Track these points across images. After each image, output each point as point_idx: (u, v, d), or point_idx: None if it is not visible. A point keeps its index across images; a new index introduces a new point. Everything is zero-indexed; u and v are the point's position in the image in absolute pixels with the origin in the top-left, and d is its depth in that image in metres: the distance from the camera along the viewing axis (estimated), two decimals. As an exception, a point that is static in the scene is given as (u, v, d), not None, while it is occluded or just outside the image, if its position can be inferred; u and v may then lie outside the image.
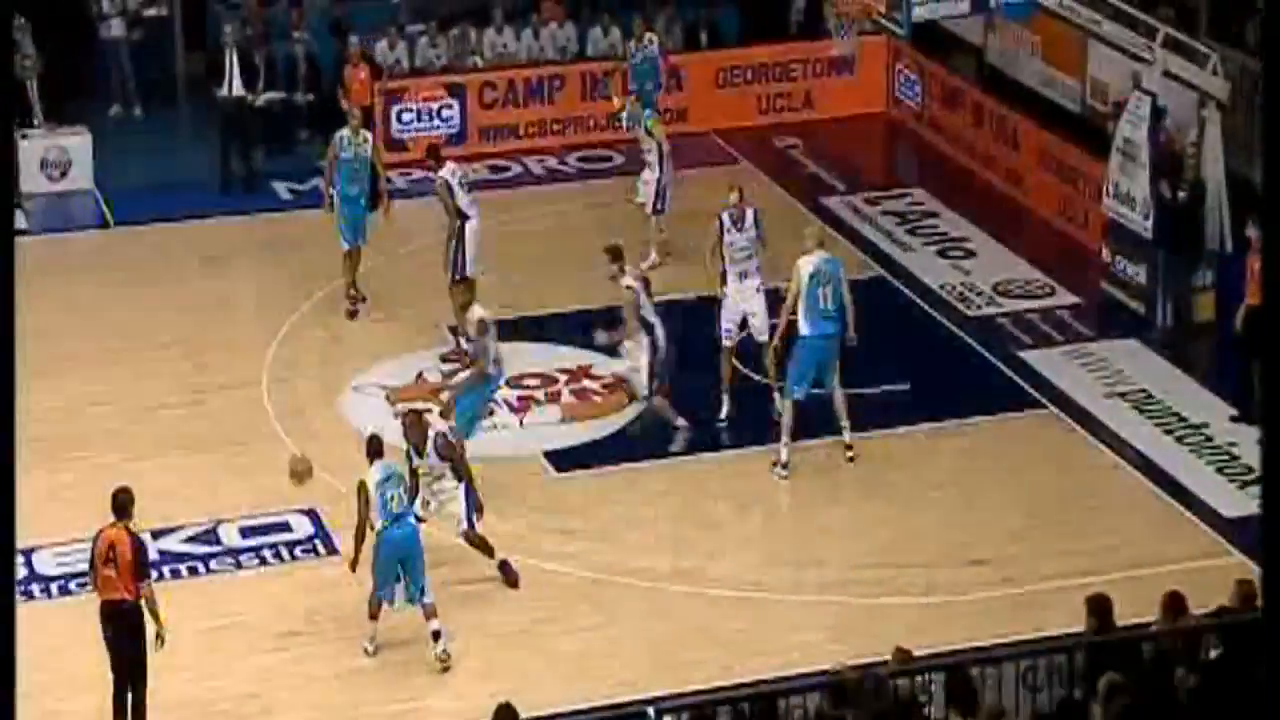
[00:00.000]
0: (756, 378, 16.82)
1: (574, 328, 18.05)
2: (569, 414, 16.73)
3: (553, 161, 21.90)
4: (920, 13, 17.48)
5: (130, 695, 12.62)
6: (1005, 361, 17.48)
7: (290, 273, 19.15)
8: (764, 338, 16.24)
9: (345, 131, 18.55)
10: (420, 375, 17.29)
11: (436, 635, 13.52)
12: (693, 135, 22.24)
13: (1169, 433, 16.30)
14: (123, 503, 12.57)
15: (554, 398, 16.99)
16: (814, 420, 16.16)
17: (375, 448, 13.89)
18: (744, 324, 16.30)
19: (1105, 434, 16.29)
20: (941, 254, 19.65)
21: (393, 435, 16.17)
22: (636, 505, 15.44)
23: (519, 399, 16.91)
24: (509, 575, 14.31)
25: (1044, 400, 16.79)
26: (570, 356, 17.53)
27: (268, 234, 20.14)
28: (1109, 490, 15.61)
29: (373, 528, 13.50)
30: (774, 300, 16.19)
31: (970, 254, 19.63)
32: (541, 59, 22.80)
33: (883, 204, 20.74)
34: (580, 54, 22.93)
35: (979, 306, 18.56)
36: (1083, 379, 17.15)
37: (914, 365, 17.22)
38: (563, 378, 17.25)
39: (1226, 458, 15.86)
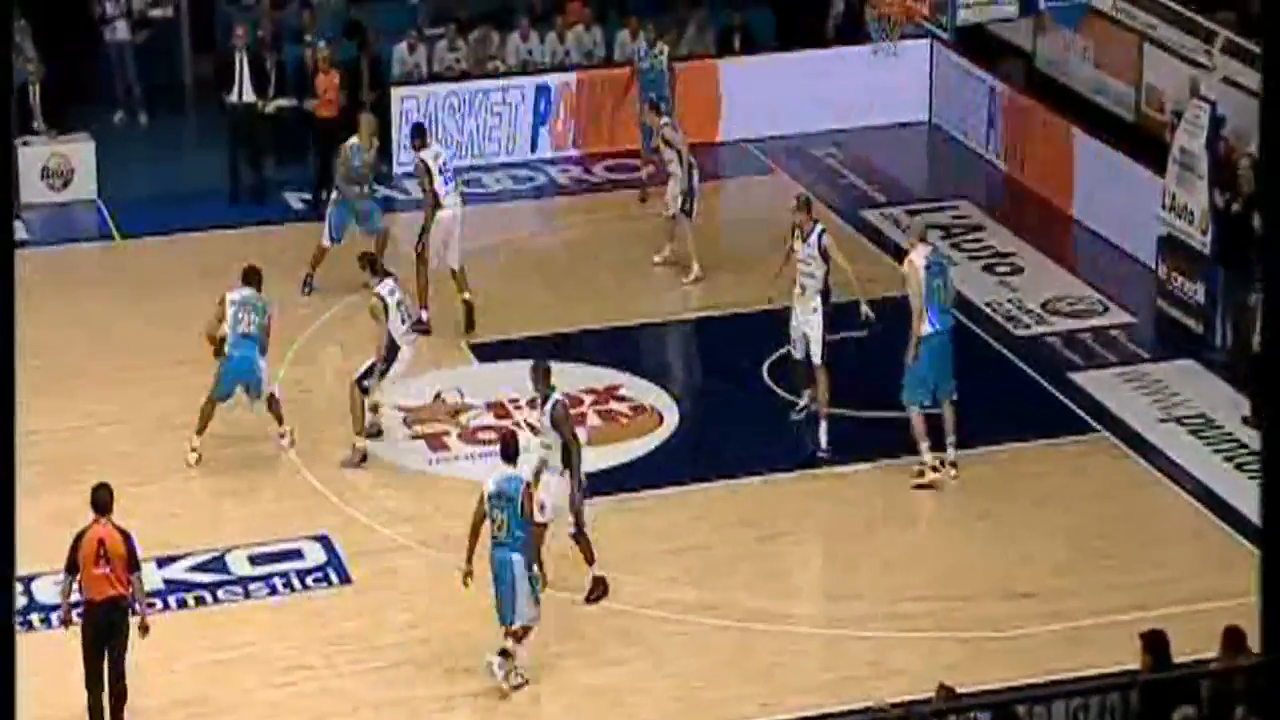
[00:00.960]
0: (790, 397, 16.87)
1: (600, 345, 18.13)
2: (593, 437, 16.78)
3: (578, 170, 22.00)
4: (966, 15, 17.56)
5: (112, 699, 12.78)
6: (1055, 384, 17.49)
7: (300, 287, 19.24)
8: (818, 361, 16.26)
9: (355, 140, 18.73)
10: (438, 396, 17.36)
11: (503, 652, 13.45)
12: (725, 144, 22.34)
13: (1228, 459, 16.29)
14: (103, 499, 12.82)
15: (578, 420, 17.02)
16: (849, 446, 16.19)
17: (511, 449, 13.70)
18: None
19: (1161, 460, 16.30)
20: (988, 269, 19.67)
21: (410, 458, 16.26)
22: (664, 533, 15.47)
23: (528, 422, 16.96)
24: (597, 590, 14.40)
25: (1096, 425, 16.80)
26: (596, 376, 17.58)
27: (279, 246, 20.24)
28: (1165, 520, 15.61)
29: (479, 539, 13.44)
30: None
31: (1018, 270, 19.65)
32: (567, 63, 22.89)
33: (926, 216, 20.73)
34: (607, 58, 23.01)
35: (1027, 325, 18.57)
36: (1137, 402, 17.15)
37: (959, 386, 17.19)
38: (588, 399, 17.31)
39: (1289, 486, 15.81)
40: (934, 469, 15.79)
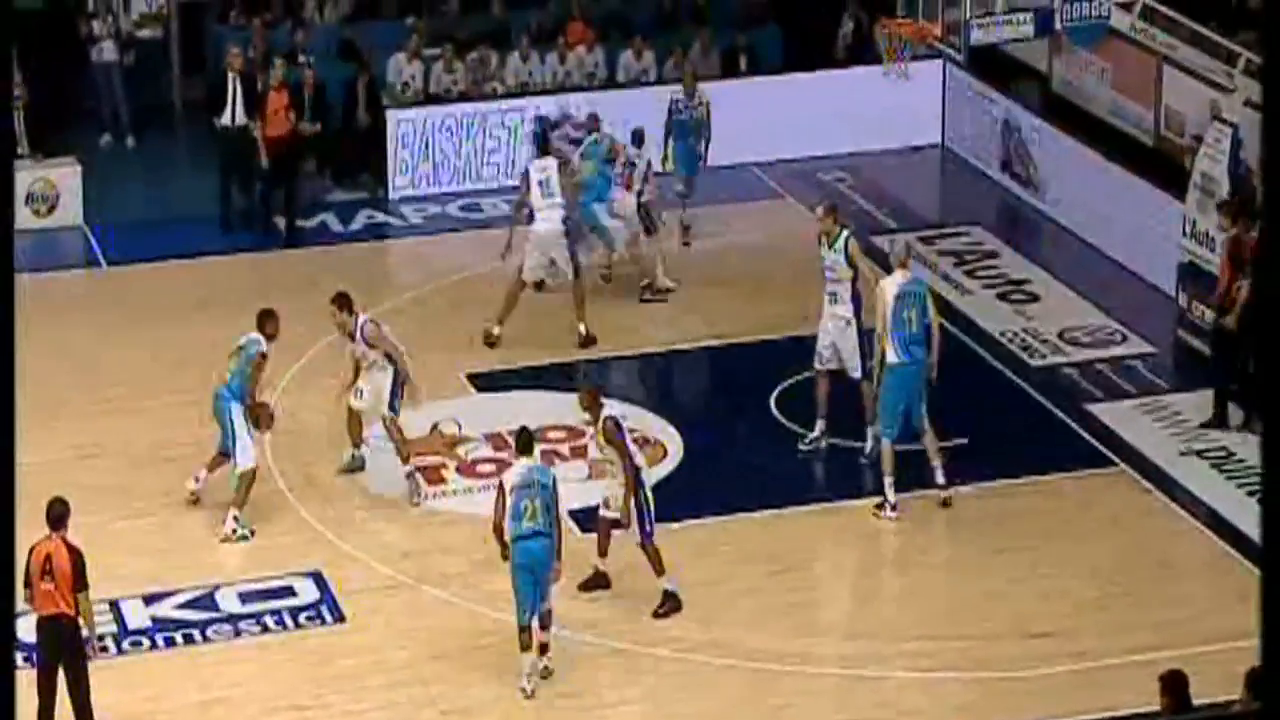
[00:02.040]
0: (800, 432, 16.90)
1: (603, 375, 18.16)
2: (595, 471, 16.80)
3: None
4: (980, 36, 17.56)
5: (74, 713, 12.83)
6: (1072, 415, 17.51)
7: (294, 316, 19.24)
8: (857, 375, 16.41)
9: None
10: (435, 427, 17.38)
11: (545, 648, 13.85)
12: (730, 168, 22.41)
13: (1251, 494, 16.30)
14: (59, 514, 12.91)
15: (579, 453, 17.06)
16: (854, 478, 16.21)
17: (525, 442, 14.06)
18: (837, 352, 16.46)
19: (1181, 494, 16.32)
20: (1003, 298, 19.71)
21: (406, 492, 16.29)
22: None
23: (542, 455, 16.94)
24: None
25: (1114, 458, 16.82)
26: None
27: (272, 273, 20.29)
28: (1185, 556, 15.62)
29: (502, 531, 13.74)
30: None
31: (1034, 298, 19.69)
32: (568, 85, 22.96)
33: (938, 243, 20.82)
34: (610, 80, 23.08)
35: (1044, 355, 18.60)
36: (1156, 434, 17.17)
37: (973, 419, 17.24)
38: (589, 430, 17.31)
39: (1314, 521, 15.83)
40: (893, 507, 15.79)
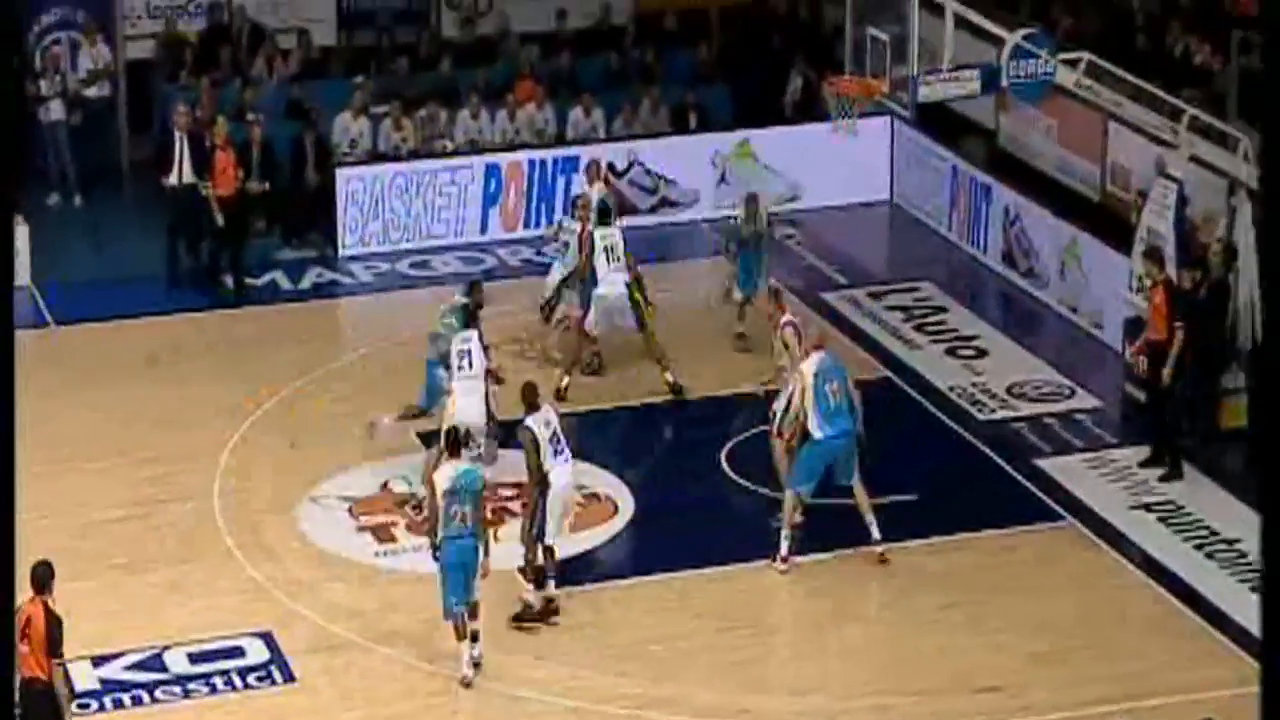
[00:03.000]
0: (755, 489, 17.03)
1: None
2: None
3: (528, 252, 22.17)
4: (926, 93, 17.77)
5: None
6: (1021, 470, 17.67)
7: (244, 375, 19.34)
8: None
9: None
10: (386, 485, 17.44)
11: (475, 635, 14.54)
12: (679, 225, 22.60)
13: (1199, 548, 16.49)
14: (41, 576, 12.95)
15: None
16: (808, 535, 16.33)
17: (453, 446, 14.72)
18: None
19: (1130, 549, 16.48)
20: (951, 353, 19.90)
21: (356, 550, 16.35)
22: (617, 625, 15.56)
23: (493, 511, 17.04)
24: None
25: (1063, 512, 16.98)
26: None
27: (220, 333, 20.35)
28: (1134, 611, 15.76)
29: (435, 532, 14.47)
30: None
31: (982, 353, 19.89)
32: (517, 142, 23.12)
33: (887, 298, 21.01)
34: (559, 137, 23.25)
35: (992, 410, 18.78)
36: (1105, 489, 17.35)
37: (922, 474, 17.41)
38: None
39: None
40: (783, 559, 15.93)
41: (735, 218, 20.21)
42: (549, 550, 15.39)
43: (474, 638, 14.66)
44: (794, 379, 16.15)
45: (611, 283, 18.67)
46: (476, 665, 14.64)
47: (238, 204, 21.01)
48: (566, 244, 19.47)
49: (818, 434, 15.84)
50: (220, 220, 20.89)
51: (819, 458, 15.90)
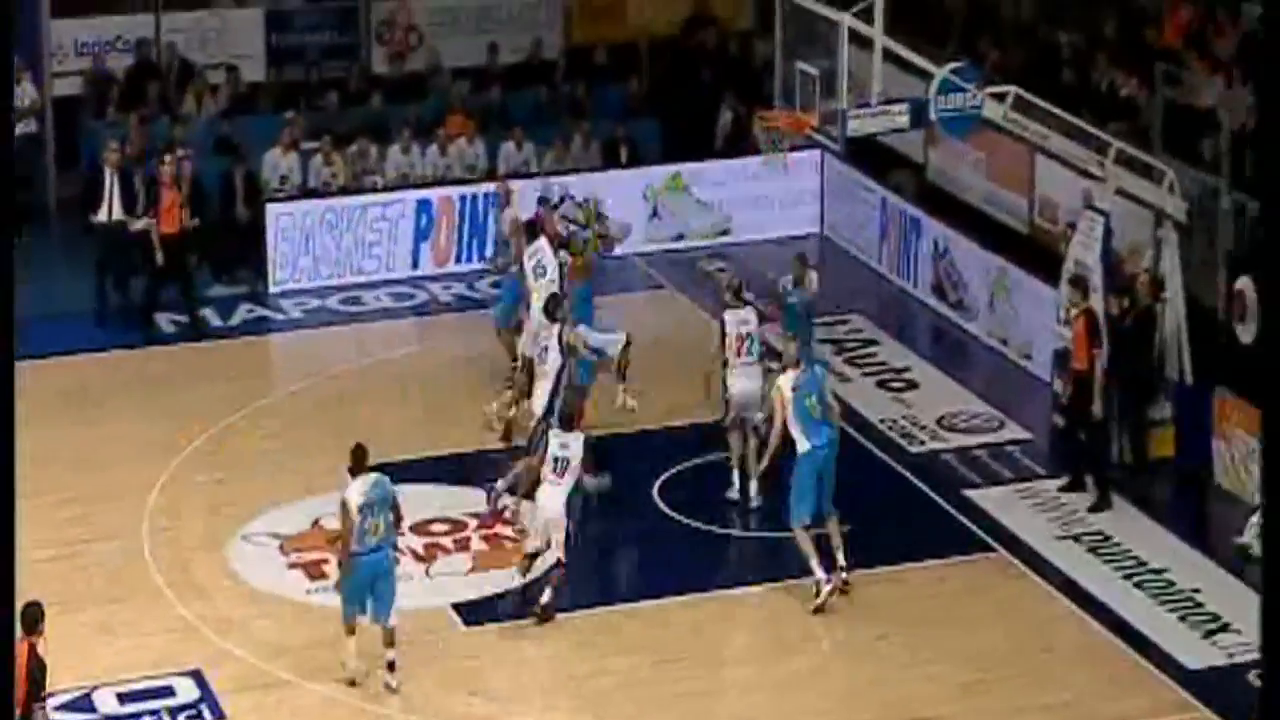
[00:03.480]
0: (687, 522, 17.15)
1: (483, 469, 18.31)
2: (479, 563, 16.96)
3: (461, 287, 22.25)
4: (856, 126, 17.95)
5: None
6: (951, 501, 17.83)
7: (174, 412, 19.34)
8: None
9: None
10: (317, 522, 17.44)
11: (391, 666, 14.78)
12: (611, 259, 22.69)
13: (1127, 578, 16.68)
14: (31, 616, 12.95)
15: (463, 545, 17.21)
16: (737, 567, 16.43)
17: (359, 460, 14.80)
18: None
19: (1059, 579, 16.64)
20: (881, 385, 20.08)
21: (288, 588, 16.36)
22: (552, 661, 15.63)
23: (425, 547, 17.13)
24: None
25: (993, 543, 17.15)
26: (481, 499, 17.75)
27: (149, 371, 20.33)
28: (1063, 640, 15.92)
29: (347, 550, 14.60)
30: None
31: (912, 385, 20.07)
32: (449, 177, 23.21)
33: (817, 331, 21.12)
34: (491, 172, 23.35)
35: (922, 442, 18.95)
36: (1034, 520, 17.53)
37: (853, 506, 17.51)
38: (473, 523, 17.50)
39: (1189, 604, 16.23)
40: (829, 583, 16.08)
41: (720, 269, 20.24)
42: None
43: (390, 667, 14.87)
44: (773, 393, 16.33)
45: (749, 376, 17.66)
46: (392, 689, 14.86)
47: (180, 242, 20.97)
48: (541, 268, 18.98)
49: (804, 445, 16.02)
50: (160, 258, 20.88)
51: (809, 474, 16.04)
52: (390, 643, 14.88)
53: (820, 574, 16.05)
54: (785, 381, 16.22)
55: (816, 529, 16.18)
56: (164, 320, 21.29)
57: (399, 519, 15.08)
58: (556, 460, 15.81)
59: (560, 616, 16.07)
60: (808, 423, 16.08)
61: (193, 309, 21.13)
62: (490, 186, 21.87)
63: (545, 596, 15.87)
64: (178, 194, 20.99)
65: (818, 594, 16.04)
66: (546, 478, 15.88)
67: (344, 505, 14.79)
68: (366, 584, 14.80)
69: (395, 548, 15.04)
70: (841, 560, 16.24)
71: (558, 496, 15.82)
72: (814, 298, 19.33)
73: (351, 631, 14.95)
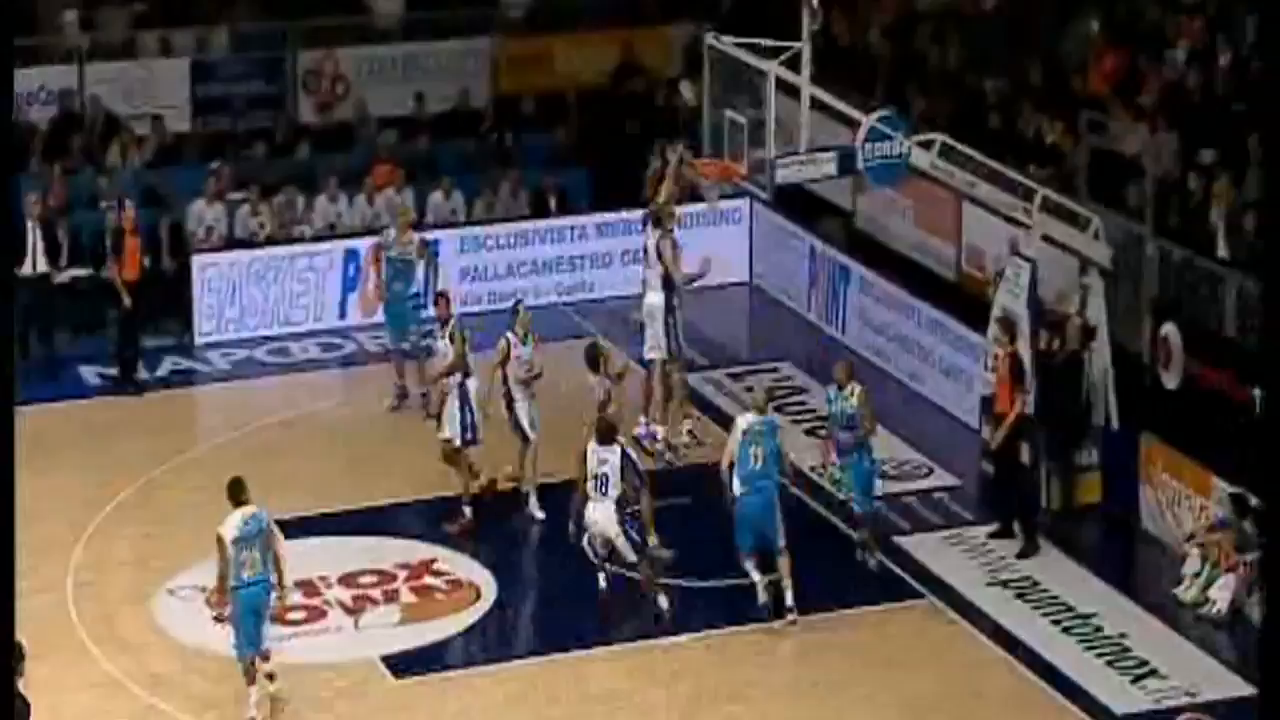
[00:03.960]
0: (619, 572, 17.24)
1: (411, 519, 18.37)
2: (408, 614, 16.99)
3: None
4: (784, 174, 18.12)
5: None
6: (881, 549, 17.94)
7: (98, 465, 19.31)
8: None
9: (392, 230, 20.36)
10: (244, 575, 17.42)
11: (272, 676, 15.22)
12: (540, 307, 22.82)
13: (1055, 623, 16.86)
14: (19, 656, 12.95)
15: (392, 596, 17.25)
16: (675, 617, 16.54)
17: (237, 494, 15.06)
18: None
19: (987, 625, 16.82)
20: (810, 433, 20.22)
21: (215, 641, 16.35)
22: (481, 715, 15.67)
23: (354, 599, 17.16)
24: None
25: (922, 590, 17.31)
26: (410, 550, 17.81)
27: (73, 424, 20.30)
28: (993, 686, 16.07)
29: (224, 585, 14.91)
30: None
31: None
32: (376, 226, 23.26)
33: (747, 379, 21.32)
34: (419, 221, 23.43)
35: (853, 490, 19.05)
36: (963, 566, 17.71)
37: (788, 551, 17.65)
38: (402, 574, 17.54)
39: (1117, 649, 16.42)
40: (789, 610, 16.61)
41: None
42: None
43: (270, 677, 15.20)
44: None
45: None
46: (276, 699, 15.20)
47: (142, 288, 20.99)
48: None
49: (735, 489, 16.53)
50: (129, 303, 20.87)
51: (740, 516, 16.58)
52: (265, 658, 15.16)
53: (756, 576, 16.58)
54: (740, 421, 16.76)
55: (769, 575, 16.49)
56: (89, 373, 21.25)
57: (279, 557, 15.15)
58: (597, 478, 16.30)
59: (491, 668, 16.12)
60: (745, 471, 16.45)
61: (137, 363, 21.11)
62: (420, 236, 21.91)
63: (661, 603, 16.44)
64: (138, 240, 21.03)
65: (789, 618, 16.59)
66: (592, 495, 16.32)
67: (219, 539, 14.96)
68: (250, 613, 14.99)
69: (269, 581, 15.10)
70: (790, 600, 16.45)
71: (606, 509, 16.30)
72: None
73: (250, 679, 15.07)
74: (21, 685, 12.93)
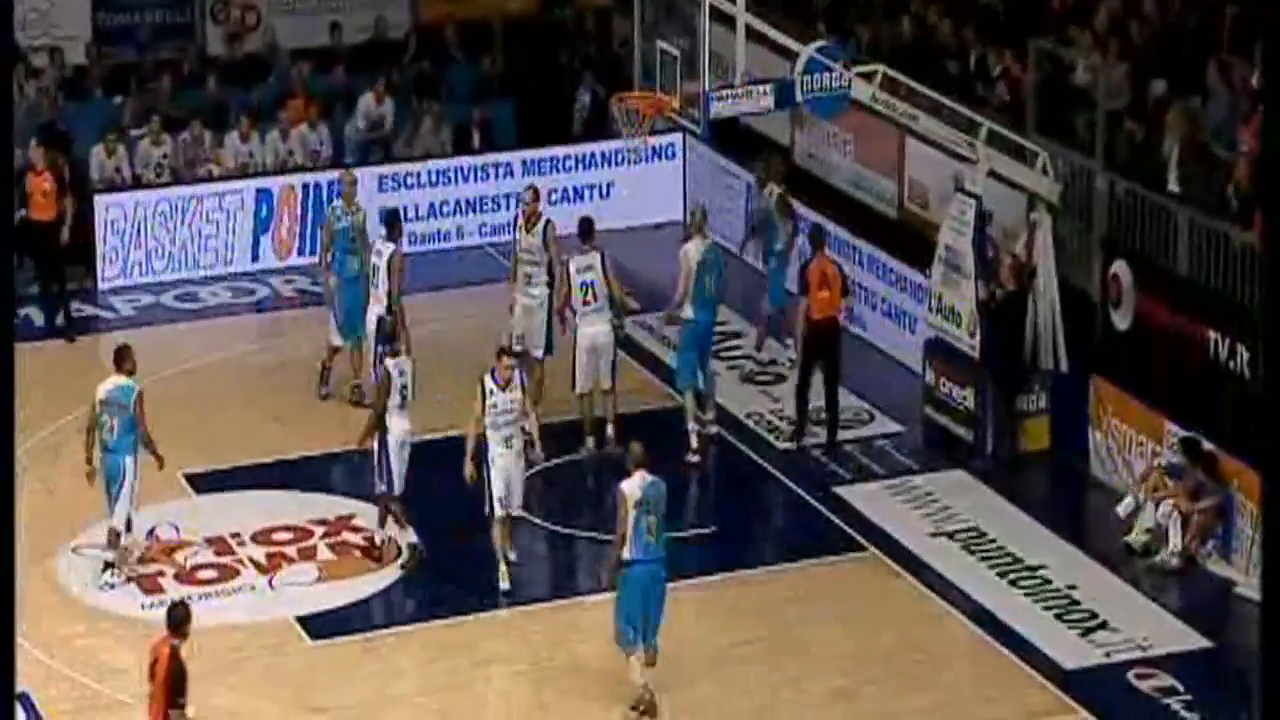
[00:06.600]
0: (544, 525, 17.26)
1: (329, 472, 18.35)
2: (326, 573, 16.99)
3: (304, 281, 22.21)
4: (719, 108, 18.06)
5: None
6: (820, 499, 18.05)
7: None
8: (539, 354, 18.97)
9: (339, 201, 19.76)
10: (153, 532, 17.40)
11: (107, 565, 16.53)
12: (461, 249, 22.80)
13: (1002, 575, 16.98)
14: (178, 617, 13.04)
15: (309, 554, 17.24)
16: (591, 572, 16.58)
17: (120, 362, 16.62)
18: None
19: (932, 577, 16.91)
20: (747, 379, 20.26)
21: (121, 603, 16.31)
22: (400, 676, 15.70)
23: (268, 556, 17.15)
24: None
25: (864, 541, 17.39)
26: (327, 505, 17.80)
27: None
28: (937, 641, 16.19)
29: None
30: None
31: (779, 379, 20.25)
32: (290, 165, 23.16)
33: (702, 207, 21.16)
34: (335, 159, 23.33)
35: (790, 438, 19.14)
36: (906, 516, 17.79)
37: (719, 505, 17.74)
38: (319, 530, 17.53)
39: (1066, 602, 16.55)
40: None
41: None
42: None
43: (107, 565, 16.43)
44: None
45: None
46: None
47: (55, 227, 20.83)
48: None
49: (689, 314, 18.25)
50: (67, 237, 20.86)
51: (693, 342, 18.33)
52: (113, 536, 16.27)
53: (691, 423, 18.20)
54: (693, 250, 18.21)
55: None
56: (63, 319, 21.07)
57: (137, 425, 16.32)
58: (585, 286, 18.18)
59: (413, 627, 16.14)
60: (700, 298, 18.03)
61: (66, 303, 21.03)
62: (335, 174, 21.85)
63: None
64: (44, 179, 20.85)
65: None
66: (579, 307, 18.17)
67: (92, 404, 16.33)
68: (107, 480, 16.25)
69: (130, 453, 16.28)
70: (708, 417, 18.12)
71: (597, 321, 18.24)
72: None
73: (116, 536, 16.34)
74: (184, 649, 13.01)
